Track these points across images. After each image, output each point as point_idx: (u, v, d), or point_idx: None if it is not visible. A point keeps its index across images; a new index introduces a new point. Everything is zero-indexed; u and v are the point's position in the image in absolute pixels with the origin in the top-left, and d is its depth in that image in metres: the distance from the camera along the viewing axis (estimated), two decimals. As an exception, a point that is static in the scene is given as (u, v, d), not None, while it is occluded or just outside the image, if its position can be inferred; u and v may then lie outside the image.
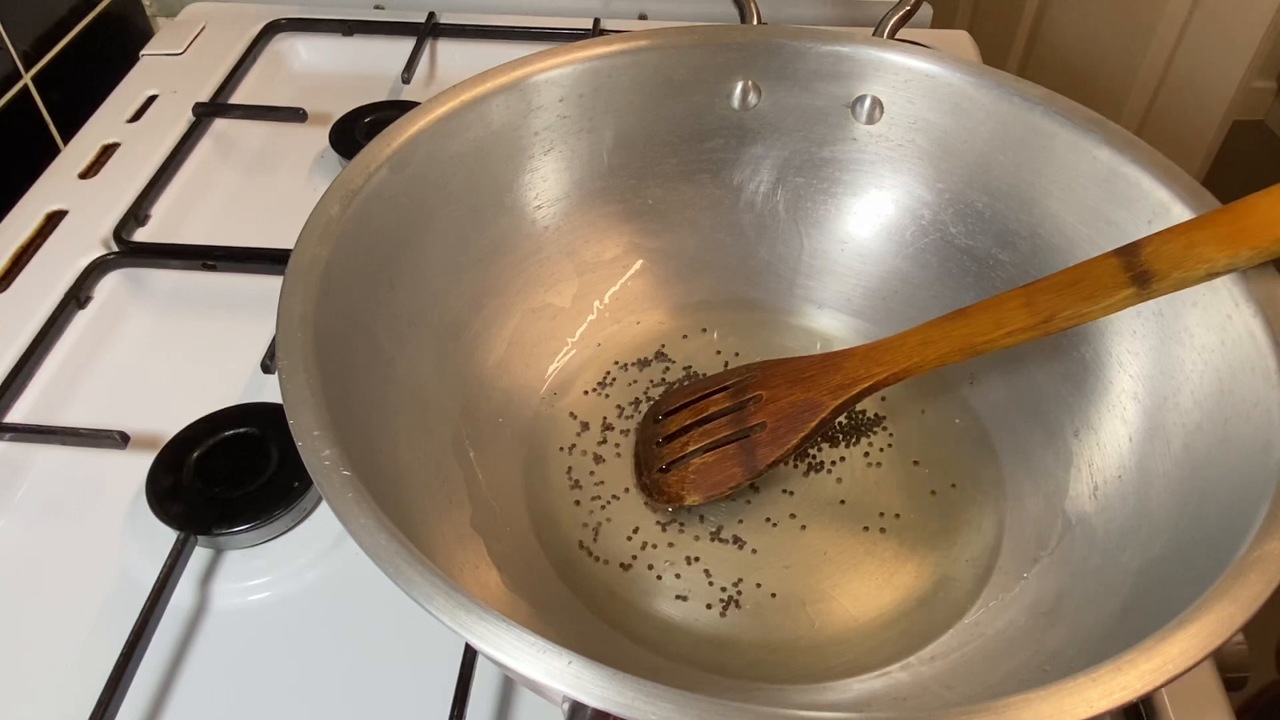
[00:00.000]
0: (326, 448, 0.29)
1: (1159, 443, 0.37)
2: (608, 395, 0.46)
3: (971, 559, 0.40)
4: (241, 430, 0.44)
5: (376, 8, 0.74)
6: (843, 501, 0.42)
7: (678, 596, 0.39)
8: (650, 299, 0.49)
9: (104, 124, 0.63)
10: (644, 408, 0.45)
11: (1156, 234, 0.35)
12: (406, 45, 0.69)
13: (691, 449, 0.42)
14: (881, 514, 0.42)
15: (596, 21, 0.71)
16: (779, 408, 0.41)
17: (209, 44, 0.70)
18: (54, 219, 0.56)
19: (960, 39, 0.70)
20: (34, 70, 0.63)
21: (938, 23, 0.73)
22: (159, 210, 0.57)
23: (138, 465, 0.43)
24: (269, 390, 0.47)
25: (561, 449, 0.44)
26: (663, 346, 0.48)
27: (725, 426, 0.42)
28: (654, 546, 0.40)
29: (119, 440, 0.45)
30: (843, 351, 0.41)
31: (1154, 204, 0.38)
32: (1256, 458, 0.31)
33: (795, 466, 0.43)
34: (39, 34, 0.63)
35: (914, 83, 0.45)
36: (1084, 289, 0.36)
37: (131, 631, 0.37)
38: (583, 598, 0.39)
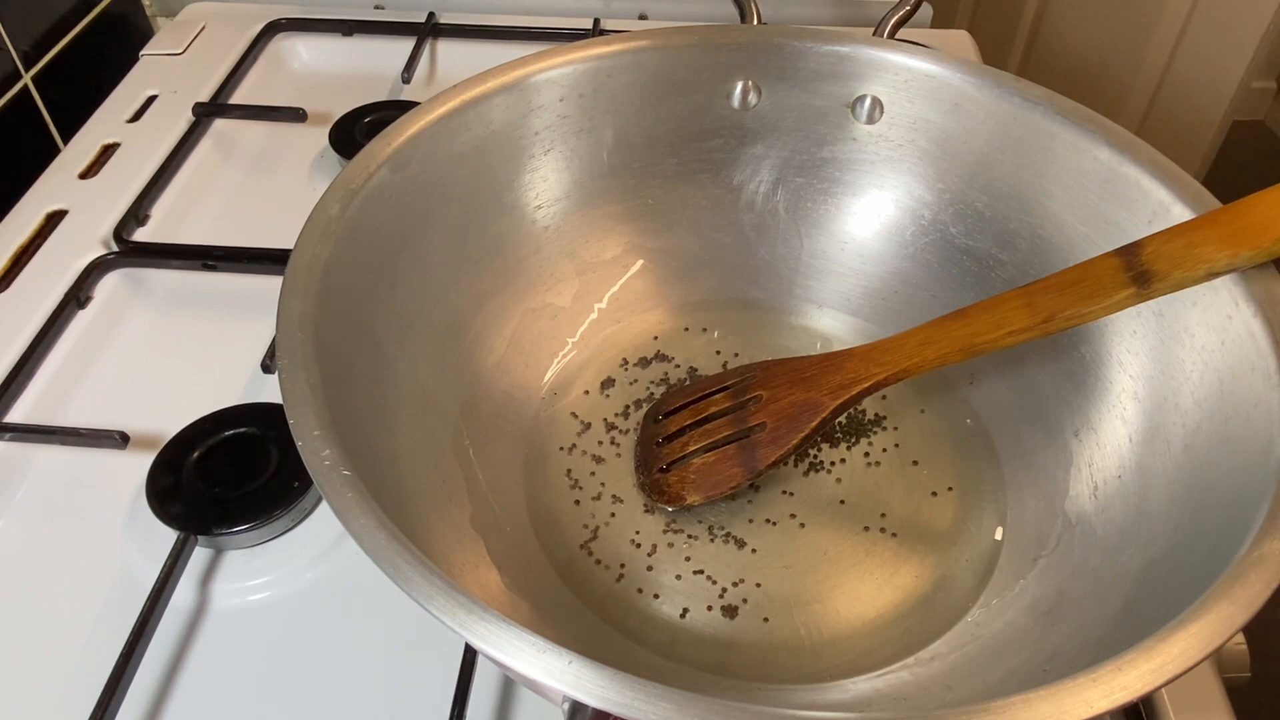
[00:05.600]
0: (326, 448, 0.29)
1: (1159, 443, 0.37)
2: (608, 395, 0.46)
3: (971, 559, 0.40)
4: (241, 430, 0.44)
5: (376, 8, 0.74)
6: (843, 501, 0.42)
7: (678, 597, 0.39)
8: (650, 299, 0.49)
9: (104, 124, 0.63)
10: (644, 408, 0.45)
11: (1157, 234, 0.35)
12: (406, 45, 0.69)
13: (692, 449, 0.42)
14: (882, 514, 0.42)
15: (596, 21, 0.71)
16: (779, 408, 0.41)
17: (209, 44, 0.70)
18: (54, 219, 0.56)
19: (960, 39, 0.70)
20: (34, 70, 0.63)
21: (938, 23, 0.73)
22: (159, 210, 0.57)
23: (138, 465, 0.43)
24: (269, 390, 0.47)
25: (562, 449, 0.44)
26: (663, 346, 0.48)
27: (725, 427, 0.42)
28: (654, 547, 0.40)
29: (119, 440, 0.45)
30: (843, 351, 0.41)
31: (1154, 204, 0.38)
32: (1256, 458, 0.31)
33: (795, 466, 0.43)
34: (39, 34, 0.63)
35: (914, 83, 0.45)
36: (1084, 289, 0.36)
37: (131, 631, 0.37)
38: (583, 598, 0.39)
